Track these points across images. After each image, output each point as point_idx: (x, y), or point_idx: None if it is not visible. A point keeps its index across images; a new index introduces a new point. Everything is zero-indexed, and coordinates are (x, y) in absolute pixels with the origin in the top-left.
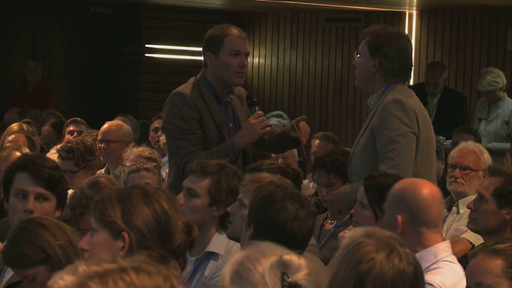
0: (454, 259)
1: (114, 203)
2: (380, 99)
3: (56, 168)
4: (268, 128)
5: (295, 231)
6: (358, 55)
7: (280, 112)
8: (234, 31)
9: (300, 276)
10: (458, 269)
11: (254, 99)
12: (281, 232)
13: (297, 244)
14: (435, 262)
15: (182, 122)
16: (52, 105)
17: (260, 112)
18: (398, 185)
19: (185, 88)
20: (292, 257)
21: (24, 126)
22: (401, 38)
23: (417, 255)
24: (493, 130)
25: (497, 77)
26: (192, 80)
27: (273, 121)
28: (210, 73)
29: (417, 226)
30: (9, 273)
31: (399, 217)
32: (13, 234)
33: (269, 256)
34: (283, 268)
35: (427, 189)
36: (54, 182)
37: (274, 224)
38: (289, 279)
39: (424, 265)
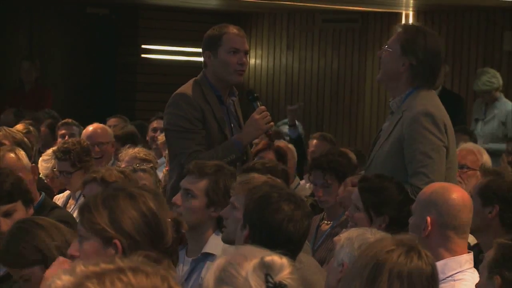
0: (475, 271)
1: (101, 209)
2: (403, 103)
3: (10, 175)
4: (272, 123)
5: (291, 232)
6: (387, 47)
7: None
8: (232, 29)
9: (284, 276)
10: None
11: (255, 95)
12: (277, 233)
13: (293, 245)
14: (459, 272)
15: (185, 122)
16: (48, 105)
17: (263, 107)
18: (428, 188)
19: (187, 88)
20: (274, 258)
21: (31, 128)
22: (437, 41)
23: (442, 261)
24: (489, 131)
25: (492, 78)
26: (192, 81)
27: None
28: (211, 72)
29: (445, 229)
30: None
31: (429, 218)
32: (9, 234)
33: (250, 259)
34: (266, 269)
35: (458, 194)
36: (15, 193)
37: (270, 225)
38: (273, 280)
39: (447, 273)
